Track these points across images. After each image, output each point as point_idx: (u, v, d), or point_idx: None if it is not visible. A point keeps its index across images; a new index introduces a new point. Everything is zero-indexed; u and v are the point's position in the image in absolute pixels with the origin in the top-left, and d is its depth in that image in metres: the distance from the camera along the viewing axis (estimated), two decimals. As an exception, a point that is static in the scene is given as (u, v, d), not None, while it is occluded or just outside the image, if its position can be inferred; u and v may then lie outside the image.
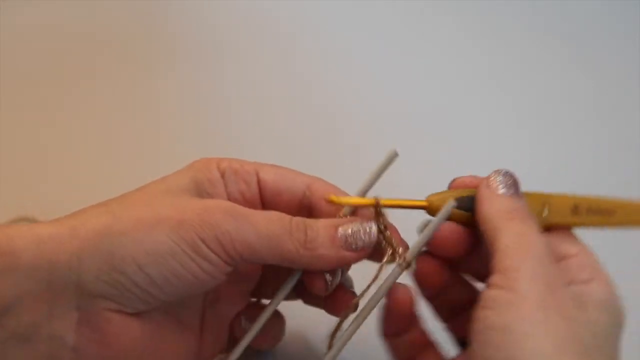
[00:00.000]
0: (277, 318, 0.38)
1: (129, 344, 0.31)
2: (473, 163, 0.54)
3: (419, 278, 0.34)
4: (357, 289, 0.35)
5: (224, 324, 0.36)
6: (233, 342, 0.35)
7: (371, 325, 0.34)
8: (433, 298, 0.36)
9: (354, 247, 0.32)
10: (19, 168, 0.53)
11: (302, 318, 0.40)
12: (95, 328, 0.30)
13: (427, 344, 0.35)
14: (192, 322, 0.35)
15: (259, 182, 0.35)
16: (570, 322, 0.28)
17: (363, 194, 0.34)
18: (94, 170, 0.53)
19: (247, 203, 0.35)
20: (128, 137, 0.56)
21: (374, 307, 0.33)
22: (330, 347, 0.33)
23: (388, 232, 0.33)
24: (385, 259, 0.32)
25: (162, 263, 0.30)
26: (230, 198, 0.34)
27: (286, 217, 0.32)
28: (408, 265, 0.32)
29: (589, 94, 0.63)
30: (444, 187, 0.34)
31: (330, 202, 0.32)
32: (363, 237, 0.32)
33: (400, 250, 0.33)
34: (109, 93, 0.60)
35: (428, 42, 0.67)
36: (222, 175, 0.34)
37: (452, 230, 0.33)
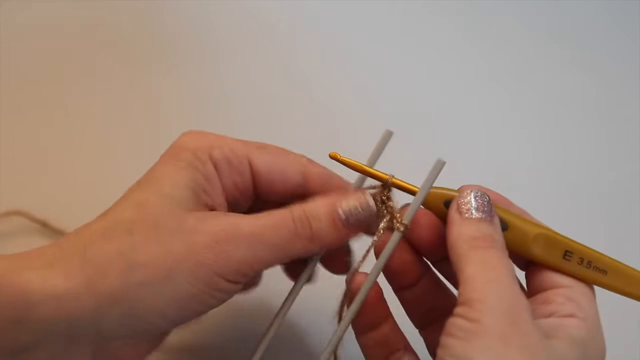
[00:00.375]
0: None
1: (137, 356, 0.32)
2: (473, 163, 0.54)
3: (392, 267, 0.34)
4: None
5: None
6: None
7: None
8: (409, 301, 0.35)
9: (355, 223, 0.33)
10: (18, 168, 0.53)
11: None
12: (109, 355, 0.31)
13: (400, 346, 0.35)
14: None
15: (252, 171, 0.35)
16: (531, 353, 0.27)
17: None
18: (94, 170, 0.53)
19: (240, 192, 0.35)
20: (128, 136, 0.56)
21: (379, 272, 0.33)
22: (340, 317, 0.34)
23: (391, 203, 0.33)
24: (382, 224, 0.33)
25: (183, 306, 0.30)
26: (224, 190, 0.34)
27: (289, 217, 0.32)
28: (406, 228, 0.33)
29: (589, 94, 0.63)
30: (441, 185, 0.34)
31: (334, 158, 0.33)
32: (361, 211, 0.33)
33: (398, 215, 0.33)
34: (109, 93, 0.60)
35: (428, 42, 0.67)
36: (216, 168, 0.34)
37: (430, 219, 0.33)
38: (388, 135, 0.35)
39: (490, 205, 0.32)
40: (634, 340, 0.46)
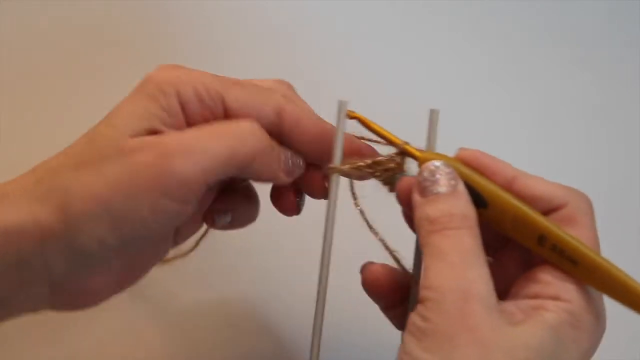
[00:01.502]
0: (250, 200, 0.38)
1: (105, 284, 0.32)
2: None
3: (375, 291, 0.34)
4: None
5: (195, 220, 0.37)
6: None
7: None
8: (396, 317, 0.35)
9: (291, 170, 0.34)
10: (19, 168, 0.53)
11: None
12: (69, 289, 0.31)
13: None
14: (165, 241, 0.35)
15: (224, 108, 0.33)
16: (481, 348, 0.26)
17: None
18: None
19: None
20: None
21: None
22: None
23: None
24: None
25: (126, 231, 0.30)
26: (191, 126, 0.33)
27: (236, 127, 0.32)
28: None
29: (588, 94, 0.63)
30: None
31: (352, 117, 0.35)
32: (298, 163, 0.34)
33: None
34: (110, 93, 0.60)
35: (428, 42, 0.67)
36: (185, 105, 0.32)
37: (409, 183, 0.32)
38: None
39: (451, 175, 0.30)
40: (634, 340, 0.46)
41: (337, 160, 0.34)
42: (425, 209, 0.30)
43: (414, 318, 0.28)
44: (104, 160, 0.30)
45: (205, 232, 0.40)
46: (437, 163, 0.30)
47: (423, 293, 0.28)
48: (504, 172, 0.32)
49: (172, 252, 0.38)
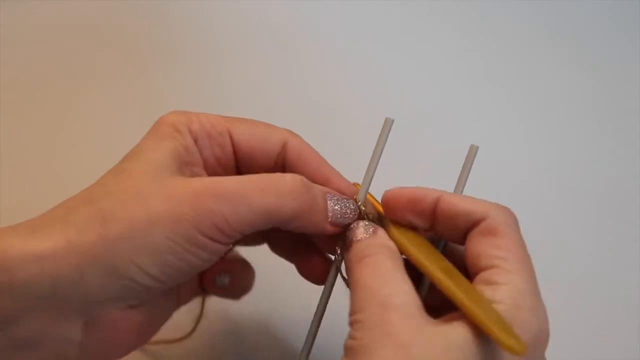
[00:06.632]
0: (247, 269, 0.40)
1: (131, 331, 0.32)
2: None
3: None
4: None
5: (195, 279, 0.38)
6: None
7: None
8: None
9: (338, 222, 0.33)
10: (19, 167, 0.53)
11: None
12: (102, 327, 0.31)
13: None
14: (172, 290, 0.36)
15: (232, 144, 0.34)
16: (402, 348, 0.27)
17: (375, 164, 0.35)
18: (95, 170, 0.53)
19: (223, 167, 0.35)
20: (128, 136, 0.56)
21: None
22: None
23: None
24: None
25: (164, 262, 0.30)
26: (206, 164, 0.34)
27: (280, 180, 0.32)
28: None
29: (588, 93, 0.63)
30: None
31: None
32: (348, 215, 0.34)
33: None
34: (110, 93, 0.60)
35: (427, 42, 0.67)
36: (195, 141, 0.34)
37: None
38: (389, 124, 0.35)
39: (367, 225, 0.33)
40: (634, 340, 0.46)
41: (370, 174, 0.34)
42: (347, 255, 0.32)
43: (346, 343, 0.29)
44: (143, 192, 0.30)
45: (200, 314, 0.41)
46: (356, 223, 0.33)
47: (350, 319, 0.29)
48: (428, 196, 0.33)
49: (170, 333, 0.39)
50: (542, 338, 0.29)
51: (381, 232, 0.33)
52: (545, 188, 0.55)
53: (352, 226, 0.33)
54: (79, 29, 0.65)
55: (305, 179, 0.32)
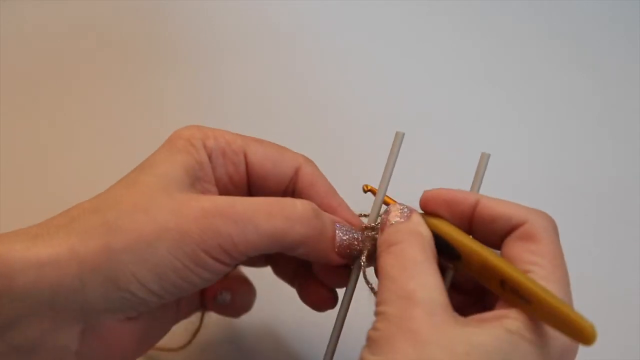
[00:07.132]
0: (249, 288, 0.40)
1: (128, 342, 0.32)
2: (471, 163, 0.54)
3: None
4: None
5: (196, 294, 0.38)
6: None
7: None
8: None
9: (345, 252, 0.33)
10: (19, 167, 0.53)
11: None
12: (98, 336, 0.31)
13: None
14: (172, 303, 0.35)
15: (246, 164, 0.34)
16: (422, 345, 0.27)
17: (387, 180, 0.34)
18: (94, 170, 0.53)
19: (234, 185, 0.35)
20: (128, 136, 0.56)
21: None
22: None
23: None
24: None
25: (165, 278, 0.29)
26: (218, 182, 0.34)
27: (290, 205, 0.32)
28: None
29: (588, 93, 0.63)
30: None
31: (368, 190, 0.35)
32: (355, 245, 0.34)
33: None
34: (109, 93, 0.60)
35: (427, 42, 0.67)
36: (210, 157, 0.33)
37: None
38: (400, 137, 0.35)
39: (403, 208, 0.32)
40: (634, 340, 0.46)
41: (382, 189, 0.34)
42: (382, 236, 0.32)
43: (368, 332, 0.29)
44: (152, 205, 0.30)
45: (199, 327, 0.41)
46: (393, 205, 0.33)
47: (375, 310, 0.29)
48: (467, 199, 0.33)
49: (167, 342, 0.39)
50: (572, 346, 0.29)
51: (416, 216, 0.32)
52: (545, 188, 0.55)
53: (388, 208, 0.33)
54: (79, 29, 0.65)
55: (315, 206, 0.32)
